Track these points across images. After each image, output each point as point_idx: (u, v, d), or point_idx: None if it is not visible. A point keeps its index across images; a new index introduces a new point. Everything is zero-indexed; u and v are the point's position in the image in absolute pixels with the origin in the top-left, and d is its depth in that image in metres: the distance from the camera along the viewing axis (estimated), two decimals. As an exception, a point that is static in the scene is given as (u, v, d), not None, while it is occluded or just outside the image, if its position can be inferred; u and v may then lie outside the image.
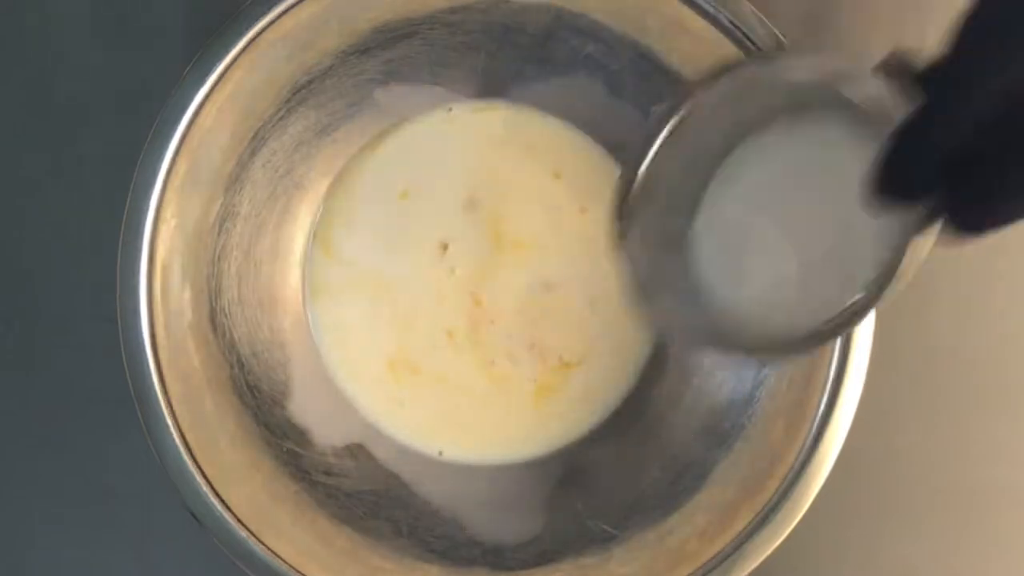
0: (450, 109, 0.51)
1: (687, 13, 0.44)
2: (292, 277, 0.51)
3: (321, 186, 0.51)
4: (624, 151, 0.50)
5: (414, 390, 0.50)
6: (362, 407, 0.50)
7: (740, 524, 0.43)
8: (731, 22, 0.43)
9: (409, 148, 0.51)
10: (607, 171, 0.51)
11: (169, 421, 0.42)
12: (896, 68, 0.23)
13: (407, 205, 0.51)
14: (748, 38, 0.43)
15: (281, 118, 0.47)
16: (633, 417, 0.50)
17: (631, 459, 0.50)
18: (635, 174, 0.32)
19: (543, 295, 0.50)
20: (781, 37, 0.43)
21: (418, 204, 0.51)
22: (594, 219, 0.50)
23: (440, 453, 0.50)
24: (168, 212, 0.43)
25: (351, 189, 0.51)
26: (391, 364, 0.50)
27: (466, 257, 0.50)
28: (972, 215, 0.22)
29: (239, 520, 0.43)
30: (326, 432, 0.49)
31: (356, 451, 0.50)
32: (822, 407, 0.44)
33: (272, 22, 0.43)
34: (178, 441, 0.42)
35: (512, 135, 0.51)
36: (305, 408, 0.49)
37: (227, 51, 0.43)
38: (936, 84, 0.22)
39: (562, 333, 0.50)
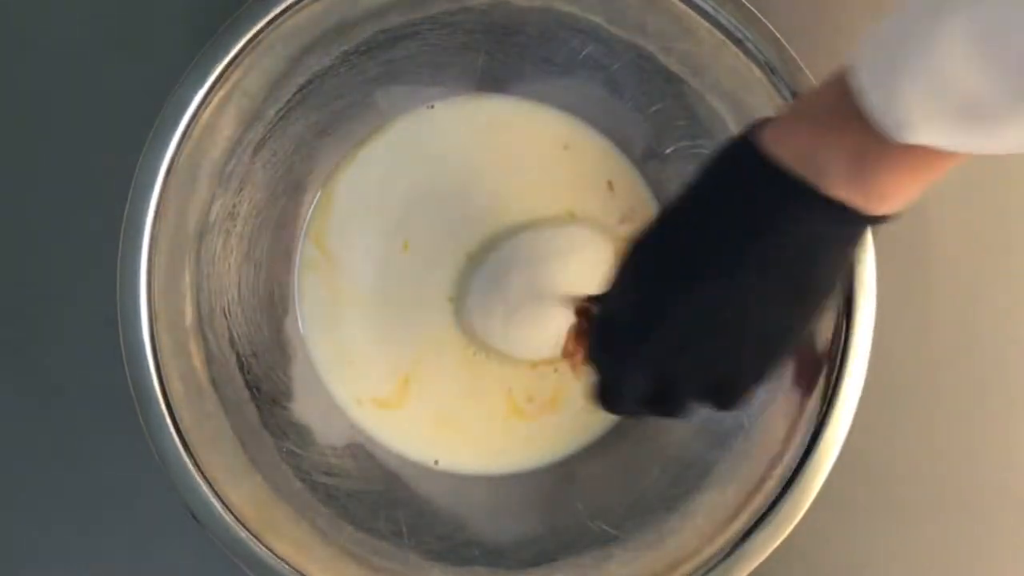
0: (432, 106, 0.51)
1: (687, 13, 0.44)
2: (292, 277, 0.51)
3: (319, 186, 0.51)
4: (623, 146, 0.51)
5: (409, 403, 0.50)
6: (355, 419, 0.51)
7: (740, 524, 0.43)
8: (730, 22, 0.43)
9: (402, 143, 0.51)
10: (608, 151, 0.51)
11: (169, 421, 0.42)
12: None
13: (403, 200, 0.51)
14: (747, 37, 0.43)
15: (281, 118, 0.47)
16: (632, 423, 0.50)
17: (631, 461, 0.50)
18: None
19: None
20: (778, 35, 0.43)
21: (414, 200, 0.51)
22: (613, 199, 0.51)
23: (436, 463, 0.50)
24: (168, 212, 0.43)
25: (345, 188, 0.51)
26: (386, 378, 0.50)
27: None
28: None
29: (239, 520, 0.43)
30: (326, 432, 0.49)
31: (356, 451, 0.50)
32: (822, 407, 0.44)
33: (272, 22, 0.43)
34: (178, 441, 0.42)
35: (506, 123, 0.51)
36: (306, 408, 0.49)
37: (227, 51, 0.43)
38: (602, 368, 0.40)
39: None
